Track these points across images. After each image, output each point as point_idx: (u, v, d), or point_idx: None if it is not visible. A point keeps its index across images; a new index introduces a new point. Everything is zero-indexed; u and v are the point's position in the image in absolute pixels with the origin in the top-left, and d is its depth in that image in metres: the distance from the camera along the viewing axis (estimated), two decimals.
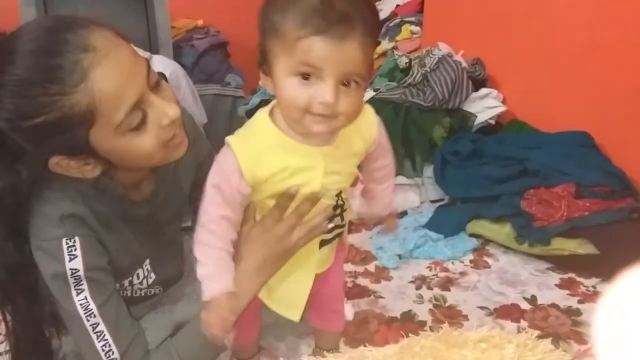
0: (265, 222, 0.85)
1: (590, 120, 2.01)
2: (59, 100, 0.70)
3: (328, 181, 0.81)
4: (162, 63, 2.46)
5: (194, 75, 2.73)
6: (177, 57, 2.76)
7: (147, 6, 2.62)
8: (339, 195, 0.85)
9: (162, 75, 2.38)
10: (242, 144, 0.79)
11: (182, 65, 2.65)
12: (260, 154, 0.78)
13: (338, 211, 0.87)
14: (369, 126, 0.86)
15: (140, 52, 2.60)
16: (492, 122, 2.29)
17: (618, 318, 0.29)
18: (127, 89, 0.73)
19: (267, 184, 0.80)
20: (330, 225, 0.86)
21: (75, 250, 0.81)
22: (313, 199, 0.81)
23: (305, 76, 0.69)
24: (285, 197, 0.81)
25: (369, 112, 0.86)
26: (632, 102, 1.87)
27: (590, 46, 1.98)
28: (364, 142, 0.85)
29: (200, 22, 3.00)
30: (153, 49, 2.59)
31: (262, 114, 0.80)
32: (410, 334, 0.84)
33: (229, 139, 0.80)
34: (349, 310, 1.41)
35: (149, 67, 0.78)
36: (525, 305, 1.51)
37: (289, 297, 0.92)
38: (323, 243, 0.89)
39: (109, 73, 0.71)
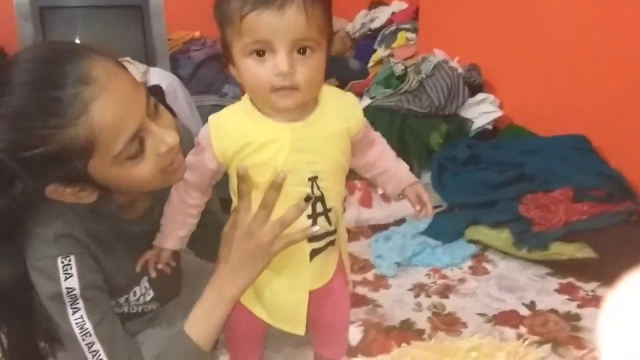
0: (237, 220, 0.84)
1: (587, 123, 2.01)
2: (59, 133, 0.69)
3: (297, 159, 0.79)
4: (159, 75, 2.47)
5: (191, 87, 2.74)
6: (175, 69, 2.78)
7: (144, 19, 2.64)
8: (313, 181, 0.81)
9: (159, 88, 2.39)
10: (217, 119, 0.82)
11: (180, 77, 2.67)
12: (230, 129, 0.80)
13: (320, 208, 0.83)
14: (352, 107, 0.85)
15: (138, 65, 2.60)
16: (490, 127, 2.29)
17: (622, 321, 0.29)
18: (127, 120, 0.72)
19: (235, 160, 0.80)
20: (316, 228, 0.83)
21: (71, 269, 0.81)
22: (274, 185, 0.79)
23: (260, 53, 0.71)
24: (273, 189, 0.80)
25: (349, 96, 0.87)
26: (628, 105, 1.87)
27: (585, 50, 1.98)
28: (345, 123, 0.83)
29: (197, 34, 3.02)
30: (150, 61, 2.61)
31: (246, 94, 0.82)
32: (410, 343, 0.83)
33: (211, 115, 0.83)
34: (355, 335, 1.36)
35: (148, 94, 0.78)
36: (524, 312, 1.50)
37: (287, 312, 0.90)
38: (314, 253, 0.86)
39: (109, 105, 0.70)
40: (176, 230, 0.90)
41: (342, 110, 0.83)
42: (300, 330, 0.90)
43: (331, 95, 0.84)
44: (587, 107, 2.02)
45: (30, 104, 0.69)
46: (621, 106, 1.90)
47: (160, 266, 0.90)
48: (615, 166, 1.88)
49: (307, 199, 0.81)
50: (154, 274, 0.90)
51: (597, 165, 1.90)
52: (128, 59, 2.47)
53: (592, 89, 1.99)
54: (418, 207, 0.97)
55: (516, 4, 2.22)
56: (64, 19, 2.63)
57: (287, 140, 0.78)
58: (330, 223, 0.85)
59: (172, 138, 0.77)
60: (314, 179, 0.81)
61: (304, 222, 0.83)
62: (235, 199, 0.86)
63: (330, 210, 0.84)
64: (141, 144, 0.75)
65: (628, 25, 1.82)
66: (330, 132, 0.81)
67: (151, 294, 1.00)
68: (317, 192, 0.82)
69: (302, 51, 0.71)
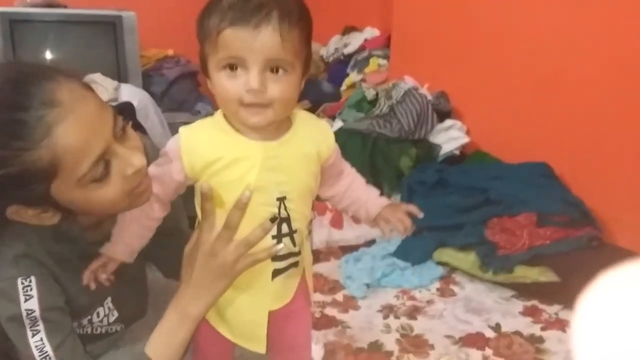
0: (200, 238, 0.83)
1: (550, 151, 2.09)
2: (21, 155, 0.67)
3: (267, 178, 0.79)
4: (130, 92, 2.45)
5: (163, 104, 2.73)
6: (147, 85, 2.77)
7: (117, 35, 2.62)
8: (281, 201, 0.80)
9: (130, 105, 2.37)
10: (189, 132, 0.81)
11: (152, 94, 2.65)
12: (201, 142, 0.79)
13: (285, 229, 0.82)
14: (324, 132, 0.86)
15: (109, 81, 2.57)
16: (457, 152, 2.35)
17: (596, 321, 0.30)
18: (91, 142, 0.71)
19: (204, 175, 0.79)
20: (280, 246, 0.82)
21: (31, 290, 0.79)
22: (239, 204, 0.78)
23: (232, 67, 0.72)
24: (236, 208, 0.79)
25: (322, 122, 0.88)
26: (590, 134, 1.96)
27: (549, 80, 2.07)
28: (316, 147, 0.83)
29: (170, 52, 3.01)
30: (122, 77, 2.59)
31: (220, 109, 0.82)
32: None
33: (182, 127, 0.82)
34: (317, 353, 1.36)
35: (115, 116, 0.76)
36: (490, 333, 1.52)
37: (248, 330, 0.89)
38: (276, 273, 0.86)
39: (73, 128, 0.69)
40: (127, 239, 0.86)
41: (314, 134, 0.84)
42: (261, 349, 0.89)
43: (305, 119, 0.85)
44: (550, 136, 2.11)
45: None
46: (583, 135, 1.99)
47: (104, 276, 0.86)
48: (577, 193, 1.95)
49: (273, 219, 0.80)
50: (92, 285, 0.86)
51: (559, 192, 1.96)
52: (98, 74, 2.44)
53: (554, 119, 2.08)
54: (388, 234, 0.98)
55: (484, 34, 2.31)
56: (35, 33, 2.59)
57: (258, 158, 0.78)
58: (294, 244, 0.85)
59: (138, 160, 0.76)
60: (282, 199, 0.80)
61: (268, 242, 0.82)
62: (200, 214, 0.86)
63: (295, 231, 0.84)
64: (106, 166, 0.74)
65: (591, 56, 1.92)
66: (302, 154, 0.82)
67: (115, 314, 0.98)
68: (283, 213, 0.81)
69: (274, 70, 0.72)
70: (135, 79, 2.66)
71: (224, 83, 0.73)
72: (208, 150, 0.79)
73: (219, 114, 0.81)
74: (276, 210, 0.81)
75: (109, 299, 0.95)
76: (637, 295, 0.29)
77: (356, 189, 0.96)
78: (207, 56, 0.75)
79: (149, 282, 1.09)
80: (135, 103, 2.26)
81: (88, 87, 0.75)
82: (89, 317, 0.93)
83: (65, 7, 2.67)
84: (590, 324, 0.30)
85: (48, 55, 2.61)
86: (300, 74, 0.76)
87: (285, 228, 0.83)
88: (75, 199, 0.74)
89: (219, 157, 0.78)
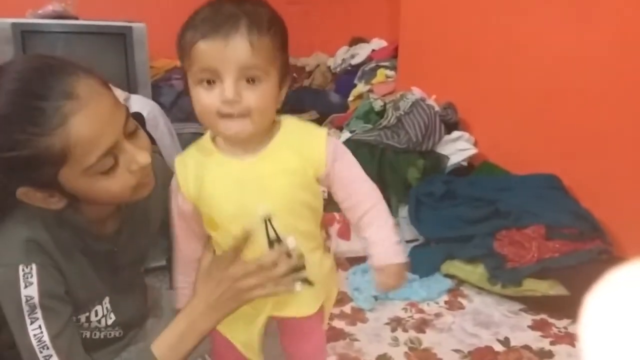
0: (221, 261, 0.85)
1: (558, 162, 2.08)
2: (35, 140, 0.72)
3: (242, 197, 0.78)
4: (140, 102, 2.47)
5: (172, 114, 2.74)
6: (156, 96, 2.78)
7: (127, 46, 2.64)
8: (267, 221, 0.79)
9: (139, 115, 2.38)
10: (179, 161, 0.83)
11: (161, 105, 2.67)
12: (188, 170, 0.82)
13: (280, 251, 0.81)
14: (314, 145, 0.80)
15: (119, 92, 2.60)
16: (465, 164, 2.35)
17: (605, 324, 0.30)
18: (102, 136, 0.75)
19: (199, 199, 0.82)
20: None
21: (31, 277, 0.80)
22: (244, 232, 0.80)
23: (209, 81, 0.73)
24: (238, 238, 0.81)
25: (316, 132, 0.82)
26: (598, 146, 1.95)
27: (558, 91, 2.07)
28: (302, 160, 0.79)
29: (179, 63, 3.03)
30: (132, 88, 2.60)
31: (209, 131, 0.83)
32: None
33: (177, 156, 0.84)
34: None
35: (127, 115, 0.81)
36: (498, 347, 1.51)
37: (243, 334, 0.90)
38: (272, 243, 0.84)
39: (87, 121, 0.74)
40: (189, 279, 0.91)
41: (300, 146, 0.80)
42: (254, 358, 0.91)
43: (293, 129, 0.82)
44: (558, 147, 2.10)
45: (12, 109, 0.73)
46: (591, 146, 1.98)
47: None
48: (585, 205, 1.94)
49: (270, 243, 0.81)
50: None
51: (568, 204, 1.96)
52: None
53: (562, 130, 2.07)
54: (380, 288, 0.87)
55: (492, 45, 2.32)
56: (46, 43, 2.61)
57: (231, 177, 0.79)
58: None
59: (143, 158, 0.80)
60: (268, 219, 0.79)
61: (260, 252, 0.83)
62: (212, 233, 0.86)
63: (291, 250, 0.82)
64: (114, 160, 0.78)
65: (599, 67, 1.91)
66: (282, 168, 0.79)
67: (112, 317, 0.98)
68: (272, 234, 0.80)
69: (250, 80, 0.73)
70: (145, 90, 2.68)
71: (200, 96, 0.74)
72: (192, 175, 0.81)
73: (207, 135, 0.83)
74: (263, 231, 0.80)
75: (107, 299, 0.96)
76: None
77: (366, 225, 0.84)
78: (185, 72, 0.76)
79: (149, 293, 1.10)
80: (145, 114, 2.27)
81: (105, 85, 0.79)
82: (87, 314, 0.94)
83: (76, 18, 2.69)
84: (597, 324, 0.30)
85: None
86: (276, 81, 0.76)
87: (277, 248, 0.82)
88: (81, 186, 0.79)
89: (202, 180, 0.80)
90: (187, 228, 0.87)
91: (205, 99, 0.74)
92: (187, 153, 0.85)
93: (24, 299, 0.80)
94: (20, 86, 0.74)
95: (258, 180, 0.79)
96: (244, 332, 0.90)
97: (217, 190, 0.80)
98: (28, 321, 0.80)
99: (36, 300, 0.80)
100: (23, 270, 0.80)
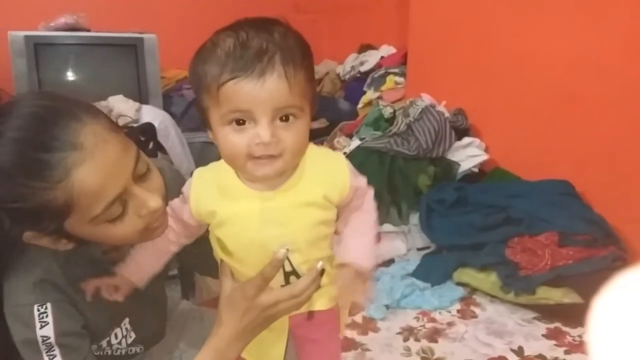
0: (247, 290, 0.82)
1: (570, 168, 2.06)
2: (38, 193, 0.69)
3: (266, 231, 0.74)
4: (151, 113, 2.49)
5: (183, 124, 2.76)
6: (167, 106, 2.81)
7: (138, 57, 2.68)
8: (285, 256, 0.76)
9: (151, 126, 2.40)
10: (199, 176, 0.79)
11: (172, 114, 2.70)
12: (206, 189, 0.78)
13: (294, 280, 0.79)
14: (337, 172, 0.78)
15: (131, 102, 2.61)
16: (476, 170, 2.34)
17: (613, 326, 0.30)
18: (107, 187, 0.72)
19: (212, 221, 0.79)
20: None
21: (46, 317, 0.80)
22: (274, 262, 0.76)
23: (239, 122, 0.67)
24: (271, 266, 0.77)
25: (338, 159, 0.80)
26: (611, 151, 1.93)
27: (569, 96, 2.05)
28: (324, 189, 0.76)
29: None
30: (143, 98, 2.63)
31: None
32: None
33: (198, 168, 0.81)
34: None
35: (137, 158, 0.77)
36: (512, 357, 1.50)
37: (266, 349, 0.89)
38: (288, 275, 0.82)
39: (91, 172, 0.71)
40: (147, 263, 0.86)
41: (324, 175, 0.77)
42: None
43: (316, 157, 0.78)
44: (570, 153, 2.08)
45: (15, 161, 0.70)
46: (604, 152, 1.96)
47: (115, 297, 0.84)
48: (599, 211, 1.92)
49: (286, 275, 0.79)
50: (89, 298, 0.85)
51: (581, 210, 1.93)
52: (120, 96, 2.49)
53: (574, 135, 2.05)
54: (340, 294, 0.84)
55: (501, 50, 2.31)
56: (58, 55, 2.65)
57: (255, 211, 0.75)
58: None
59: (154, 202, 0.77)
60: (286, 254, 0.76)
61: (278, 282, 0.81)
62: (224, 258, 0.84)
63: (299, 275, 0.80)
64: (123, 206, 0.75)
65: (611, 73, 1.90)
66: (306, 201, 0.75)
67: (132, 335, 0.98)
68: (287, 266, 0.78)
69: (284, 118, 0.68)
70: (156, 100, 2.71)
71: (231, 138, 0.68)
72: (210, 198, 0.77)
73: None
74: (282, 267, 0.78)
75: (127, 319, 0.96)
76: None
77: (358, 223, 0.83)
78: (206, 108, 0.70)
79: (167, 305, 1.10)
80: (156, 124, 2.30)
81: (114, 128, 0.76)
82: (107, 338, 0.94)
83: (88, 30, 2.73)
84: (605, 329, 0.30)
85: (71, 77, 2.67)
86: (309, 115, 0.72)
87: (293, 279, 0.81)
88: (87, 233, 0.76)
89: (219, 207, 0.76)
90: (175, 230, 0.84)
91: (236, 140, 0.67)
92: (210, 170, 0.80)
93: (40, 339, 0.79)
94: (23, 135, 0.70)
95: (280, 216, 0.74)
96: (268, 354, 0.88)
97: (235, 220, 0.76)
98: (46, 358, 0.80)
99: (52, 340, 0.80)
100: (38, 310, 0.79)
